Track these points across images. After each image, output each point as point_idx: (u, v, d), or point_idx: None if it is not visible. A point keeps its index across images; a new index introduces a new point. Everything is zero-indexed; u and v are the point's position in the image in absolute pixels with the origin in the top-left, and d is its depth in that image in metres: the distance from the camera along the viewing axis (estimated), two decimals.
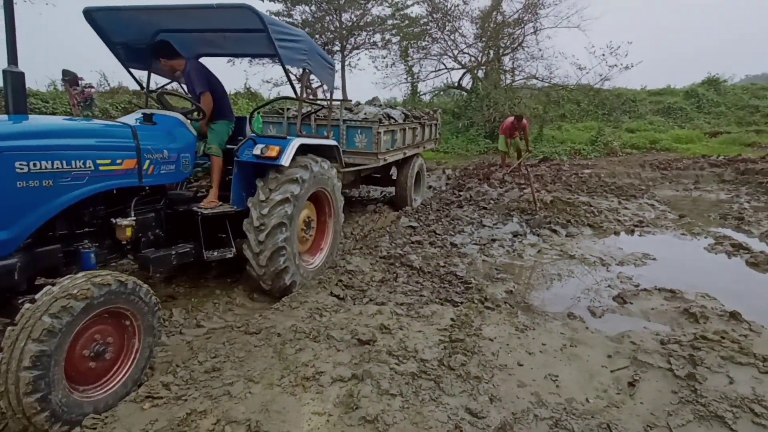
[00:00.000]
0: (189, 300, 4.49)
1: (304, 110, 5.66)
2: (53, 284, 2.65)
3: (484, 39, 17.46)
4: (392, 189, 9.03)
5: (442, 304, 4.61)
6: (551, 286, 5.54)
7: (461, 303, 4.70)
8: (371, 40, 20.96)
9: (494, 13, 17.31)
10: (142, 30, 4.68)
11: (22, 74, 3.10)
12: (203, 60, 5.22)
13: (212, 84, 4.72)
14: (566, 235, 7.67)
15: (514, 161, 12.07)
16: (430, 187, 11.56)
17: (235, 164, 4.60)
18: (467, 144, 16.80)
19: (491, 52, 17.91)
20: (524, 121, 11.88)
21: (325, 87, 6.43)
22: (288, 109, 7.21)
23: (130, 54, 4.81)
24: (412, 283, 5.26)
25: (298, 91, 4.90)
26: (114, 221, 3.49)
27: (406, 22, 19.31)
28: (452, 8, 16.80)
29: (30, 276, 3.03)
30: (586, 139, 16.23)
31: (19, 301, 2.71)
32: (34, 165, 2.82)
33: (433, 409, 2.75)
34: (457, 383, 3.11)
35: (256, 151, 4.49)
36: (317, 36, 19.52)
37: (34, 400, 2.39)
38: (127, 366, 3.02)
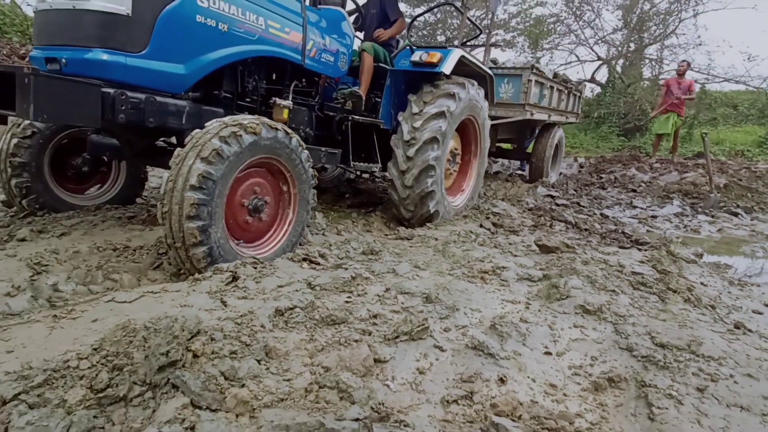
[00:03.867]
0: (328, 214, 4.17)
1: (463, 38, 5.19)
2: None
3: (626, 29, 15.75)
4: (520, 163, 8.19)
5: (622, 247, 3.74)
6: (759, 257, 4.34)
7: (645, 250, 3.79)
8: (493, 41, 20.15)
9: (641, 1, 15.57)
10: None
11: None
12: None
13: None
14: (751, 220, 6.22)
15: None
16: (560, 174, 10.45)
17: (388, 75, 4.22)
18: (598, 141, 15.17)
19: (632, 43, 16.10)
20: (687, 78, 9.82)
21: (490, 5, 5.91)
22: None
23: None
24: (571, 233, 4.44)
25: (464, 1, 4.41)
26: (274, 100, 3.28)
27: (531, 22, 18.17)
28: None
29: (191, 129, 2.88)
30: (750, 141, 13.72)
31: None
32: (214, 2, 2.64)
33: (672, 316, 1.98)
34: (685, 306, 2.28)
35: (415, 57, 4.07)
36: (438, 33, 19.18)
37: (196, 227, 2.11)
38: (280, 235, 2.71)
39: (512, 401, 1.30)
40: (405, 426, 1.08)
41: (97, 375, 1.16)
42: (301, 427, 1.03)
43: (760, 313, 2.58)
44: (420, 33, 18.37)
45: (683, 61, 10.32)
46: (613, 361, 1.55)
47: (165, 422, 1.01)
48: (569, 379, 1.48)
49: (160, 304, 1.63)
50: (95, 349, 1.24)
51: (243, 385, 1.21)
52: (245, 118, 2.39)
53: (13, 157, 2.84)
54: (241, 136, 2.28)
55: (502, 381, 1.42)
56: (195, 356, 1.25)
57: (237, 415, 1.09)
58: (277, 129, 2.49)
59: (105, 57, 2.28)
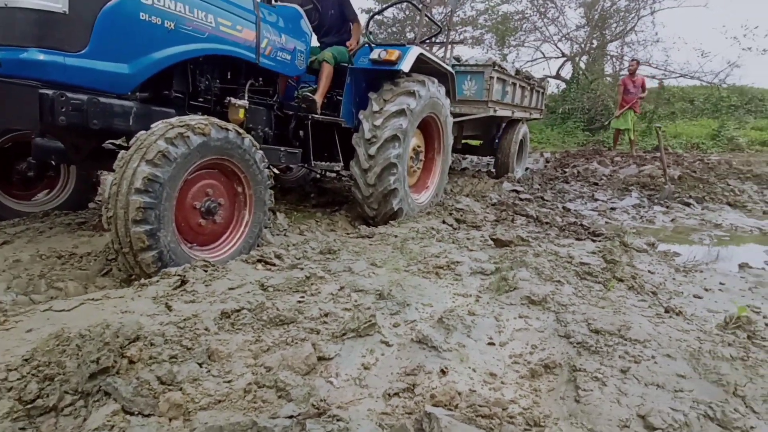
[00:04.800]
0: (291, 215, 4.15)
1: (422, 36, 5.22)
2: None
3: (588, 27, 16.20)
4: (490, 160, 8.34)
5: (578, 239, 3.87)
6: (705, 245, 4.57)
7: (600, 241, 3.92)
8: (460, 38, 20.32)
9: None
10: None
11: None
12: None
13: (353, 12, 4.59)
14: (702, 209, 6.52)
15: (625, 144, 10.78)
16: (526, 168, 10.68)
17: (348, 73, 4.23)
18: (564, 136, 15.56)
19: (595, 40, 16.56)
20: (638, 75, 10.31)
21: (447, 4, 5.98)
22: None
23: None
24: (532, 227, 4.55)
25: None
26: (228, 99, 3.24)
27: (500, 19, 18.43)
28: None
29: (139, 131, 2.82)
30: (705, 134, 14.35)
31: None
32: (158, 0, 2.59)
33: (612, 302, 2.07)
34: (630, 294, 2.39)
35: (374, 55, 4.09)
36: (407, 31, 19.23)
37: (143, 231, 2.08)
38: (236, 238, 2.69)
39: (451, 391, 1.34)
40: (338, 420, 1.10)
41: (26, 386, 1.14)
42: (235, 427, 1.04)
43: (699, 298, 2.73)
44: (389, 30, 18.40)
45: (632, 60, 10.80)
46: (551, 349, 1.62)
47: (93, 430, 1.00)
48: (509, 368, 1.54)
49: (100, 311, 1.60)
50: (26, 360, 1.22)
51: (180, 389, 1.21)
52: (193, 119, 2.36)
53: None
54: (188, 137, 2.25)
55: (443, 372, 1.46)
56: (131, 362, 1.24)
57: (170, 419, 1.09)
58: (227, 129, 2.47)
59: (42, 57, 2.20)
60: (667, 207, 6.52)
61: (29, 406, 1.11)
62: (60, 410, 1.12)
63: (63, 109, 2.24)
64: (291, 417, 1.09)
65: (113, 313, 1.58)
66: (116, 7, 2.39)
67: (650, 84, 15.39)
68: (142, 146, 2.15)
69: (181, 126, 2.26)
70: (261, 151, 2.74)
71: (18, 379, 1.16)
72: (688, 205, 6.67)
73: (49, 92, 2.21)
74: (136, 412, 1.08)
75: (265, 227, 2.85)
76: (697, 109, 18.00)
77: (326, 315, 1.82)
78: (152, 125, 2.28)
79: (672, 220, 5.84)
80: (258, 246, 2.77)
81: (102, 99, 2.42)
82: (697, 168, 9.42)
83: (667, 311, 1.92)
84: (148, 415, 1.09)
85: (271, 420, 1.07)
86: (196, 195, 2.45)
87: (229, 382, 1.30)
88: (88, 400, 1.14)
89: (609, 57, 16.54)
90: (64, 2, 2.23)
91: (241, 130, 2.59)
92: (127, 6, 2.44)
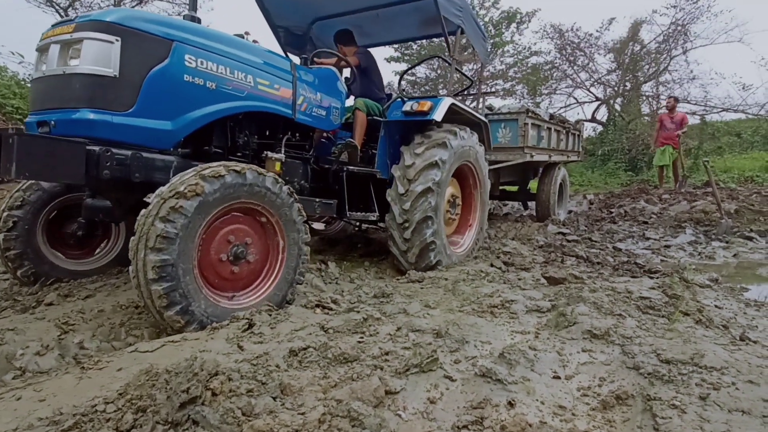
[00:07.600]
0: (340, 264, 4.26)
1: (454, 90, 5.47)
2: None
3: (620, 70, 16.31)
4: (530, 204, 8.31)
5: (634, 276, 3.74)
6: None
7: (657, 278, 3.77)
8: (492, 90, 20.82)
9: (630, 43, 16.23)
10: (301, 16, 5.00)
11: (198, 19, 3.23)
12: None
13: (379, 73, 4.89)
14: (767, 243, 6.15)
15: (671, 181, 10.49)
16: (570, 211, 10.49)
17: (382, 126, 4.39)
18: (605, 177, 15.27)
19: (628, 83, 16.59)
20: (678, 112, 10.18)
21: (477, 57, 6.24)
22: None
23: (288, 37, 5.14)
24: (583, 267, 4.44)
25: (452, 53, 4.65)
26: (265, 153, 3.31)
27: (529, 70, 18.78)
28: (584, 37, 16.07)
29: None
30: (758, 167, 13.69)
31: None
32: (201, 63, 2.76)
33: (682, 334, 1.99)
34: (698, 327, 2.28)
35: (406, 107, 4.26)
36: (440, 88, 19.94)
37: (174, 313, 2.08)
38: (277, 266, 2.66)
39: (521, 423, 1.33)
40: None
41: (122, 417, 1.24)
42: None
43: None
44: (423, 88, 19.11)
45: (670, 97, 10.88)
46: (620, 381, 1.57)
47: None
48: (578, 400, 1.50)
49: (180, 351, 1.72)
50: (120, 394, 1.33)
51: (259, 419, 1.27)
52: (183, 182, 2.27)
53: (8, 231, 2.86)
54: (182, 207, 2.18)
55: (511, 405, 1.45)
56: (214, 394, 1.32)
57: None
58: (221, 175, 2.36)
59: (91, 116, 2.35)
60: (727, 242, 6.20)
61: None
62: None
63: (108, 164, 2.35)
64: None
65: (192, 352, 1.69)
66: (162, 70, 2.55)
67: (692, 120, 15.10)
68: (143, 233, 2.13)
69: (172, 196, 2.19)
70: (271, 174, 2.67)
71: (115, 411, 1.26)
72: (750, 239, 6.32)
73: (96, 148, 2.33)
74: None
75: (304, 236, 2.78)
76: (746, 142, 17.35)
77: (387, 353, 1.86)
78: (172, 178, 2.32)
79: (734, 255, 5.54)
80: (299, 283, 2.72)
81: (145, 154, 2.54)
82: (755, 201, 8.97)
83: (742, 339, 1.83)
84: None
85: None
86: (219, 248, 2.43)
87: (303, 414, 1.35)
88: (178, 430, 1.21)
89: (644, 97, 16.46)
90: (115, 67, 2.40)
91: (238, 167, 2.50)
92: (173, 69, 2.59)
